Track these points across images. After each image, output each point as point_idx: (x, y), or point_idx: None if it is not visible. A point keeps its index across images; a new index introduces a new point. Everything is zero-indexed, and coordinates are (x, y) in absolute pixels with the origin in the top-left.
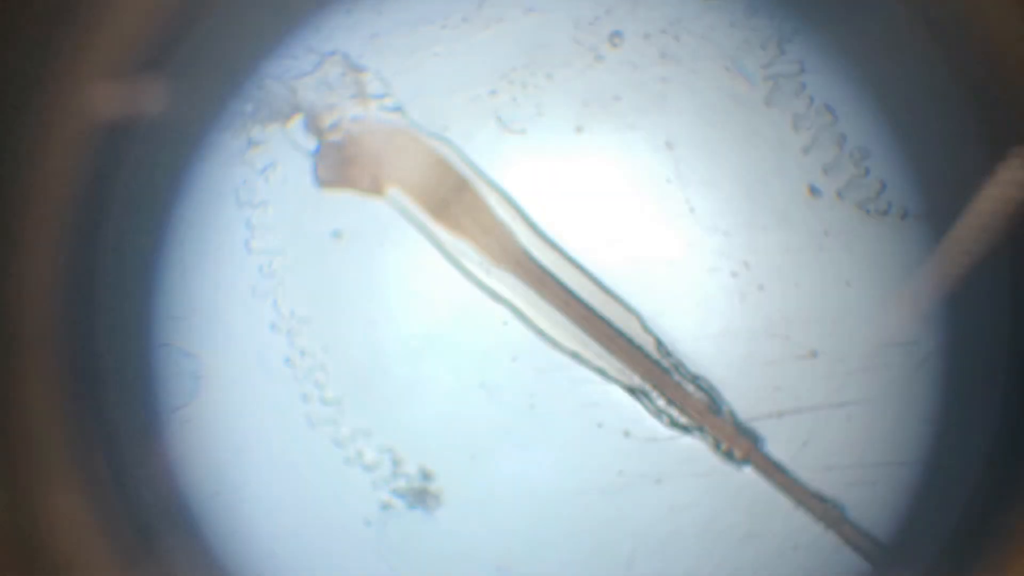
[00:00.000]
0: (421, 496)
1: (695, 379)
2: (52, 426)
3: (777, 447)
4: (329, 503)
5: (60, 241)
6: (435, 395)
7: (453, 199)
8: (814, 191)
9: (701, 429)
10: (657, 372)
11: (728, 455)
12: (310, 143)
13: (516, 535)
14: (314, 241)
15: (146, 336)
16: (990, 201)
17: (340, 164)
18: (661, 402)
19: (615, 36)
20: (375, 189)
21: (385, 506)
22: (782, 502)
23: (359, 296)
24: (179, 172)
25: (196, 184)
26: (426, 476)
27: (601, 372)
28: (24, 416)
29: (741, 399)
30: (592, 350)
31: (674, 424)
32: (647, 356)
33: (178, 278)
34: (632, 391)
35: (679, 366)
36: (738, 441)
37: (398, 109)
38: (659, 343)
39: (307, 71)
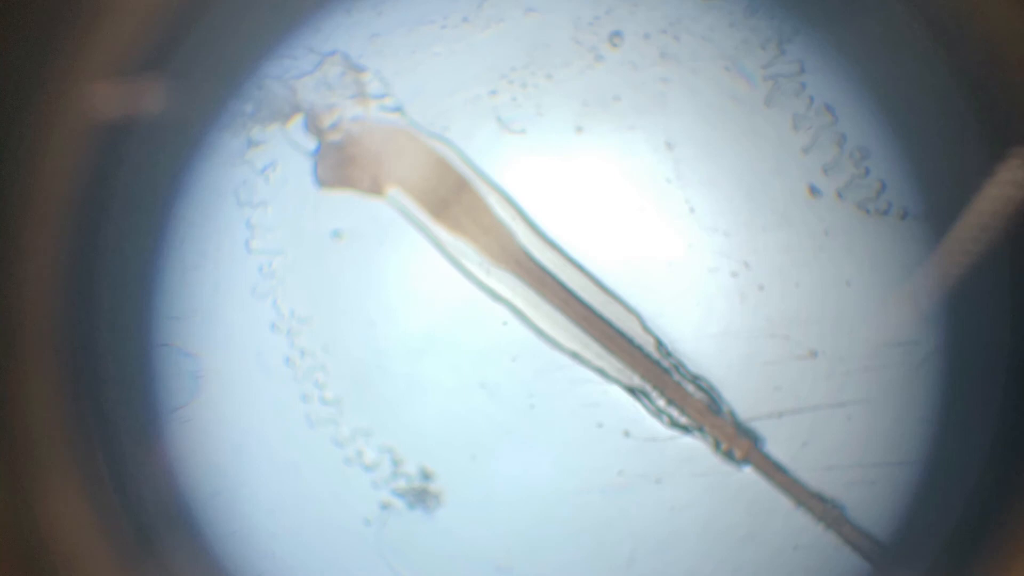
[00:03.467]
0: (421, 496)
1: (695, 379)
2: (52, 426)
3: (777, 447)
4: (329, 503)
5: (60, 241)
6: (435, 395)
7: (453, 199)
8: (814, 191)
9: (701, 429)
10: (657, 372)
11: (728, 455)
12: (310, 143)
13: (516, 535)
14: (314, 241)
15: (146, 336)
16: (990, 201)
17: (340, 164)
18: (661, 402)
19: (615, 36)
20: (375, 189)
21: (385, 506)
22: (782, 502)
23: (359, 296)
24: (179, 172)
25: (196, 184)
26: (426, 476)
27: (601, 372)
28: (24, 416)
29: (741, 399)
30: (592, 350)
31: (674, 424)
32: (647, 356)
33: (178, 278)
34: (632, 391)
35: (679, 366)
36: (738, 441)
37: (398, 109)
38: (659, 343)
39: (307, 71)
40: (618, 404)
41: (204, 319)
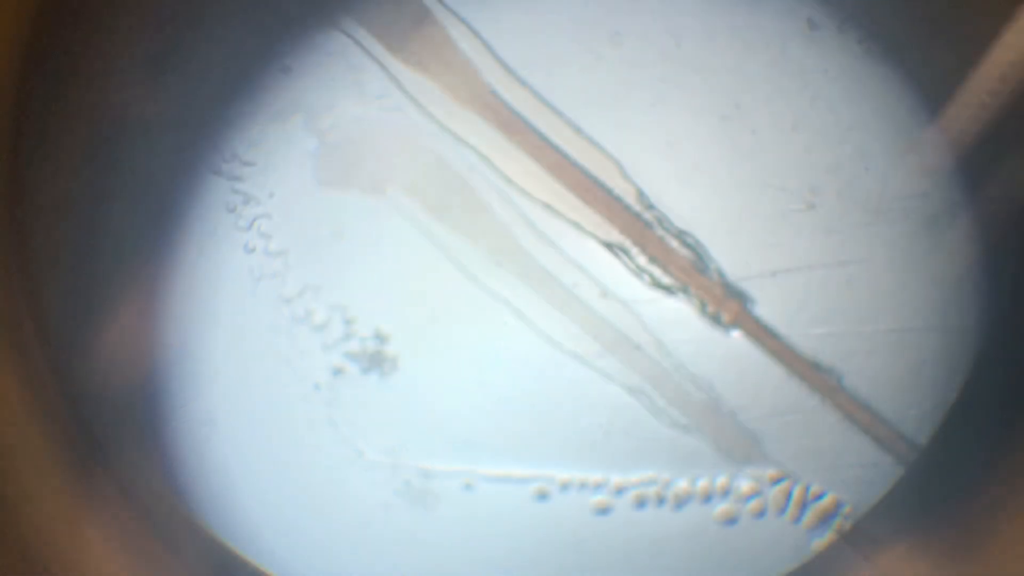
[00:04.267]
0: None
1: (680, 234)
2: (51, 426)
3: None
4: (329, 503)
5: (59, 240)
6: (435, 395)
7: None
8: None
9: (685, 289)
10: (638, 225)
11: (715, 319)
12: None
13: (516, 534)
14: (314, 241)
15: (146, 336)
16: (990, 199)
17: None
18: (642, 259)
19: (615, 36)
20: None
21: (386, 506)
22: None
23: (359, 296)
24: (179, 171)
25: (195, 184)
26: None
27: (576, 226)
28: (23, 416)
29: (730, 257)
30: (566, 201)
31: (656, 284)
32: (627, 208)
33: (178, 278)
34: (610, 247)
35: (662, 219)
36: (726, 303)
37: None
38: (640, 193)
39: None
40: (619, 404)
41: (204, 319)
